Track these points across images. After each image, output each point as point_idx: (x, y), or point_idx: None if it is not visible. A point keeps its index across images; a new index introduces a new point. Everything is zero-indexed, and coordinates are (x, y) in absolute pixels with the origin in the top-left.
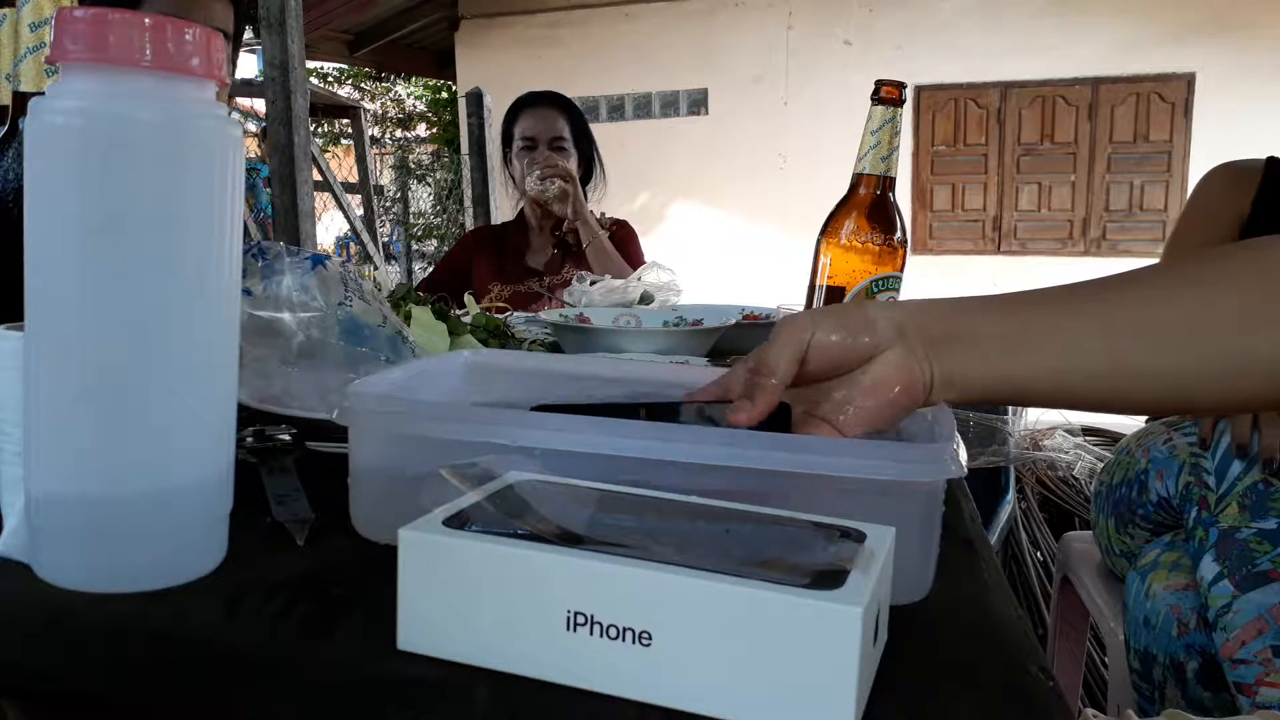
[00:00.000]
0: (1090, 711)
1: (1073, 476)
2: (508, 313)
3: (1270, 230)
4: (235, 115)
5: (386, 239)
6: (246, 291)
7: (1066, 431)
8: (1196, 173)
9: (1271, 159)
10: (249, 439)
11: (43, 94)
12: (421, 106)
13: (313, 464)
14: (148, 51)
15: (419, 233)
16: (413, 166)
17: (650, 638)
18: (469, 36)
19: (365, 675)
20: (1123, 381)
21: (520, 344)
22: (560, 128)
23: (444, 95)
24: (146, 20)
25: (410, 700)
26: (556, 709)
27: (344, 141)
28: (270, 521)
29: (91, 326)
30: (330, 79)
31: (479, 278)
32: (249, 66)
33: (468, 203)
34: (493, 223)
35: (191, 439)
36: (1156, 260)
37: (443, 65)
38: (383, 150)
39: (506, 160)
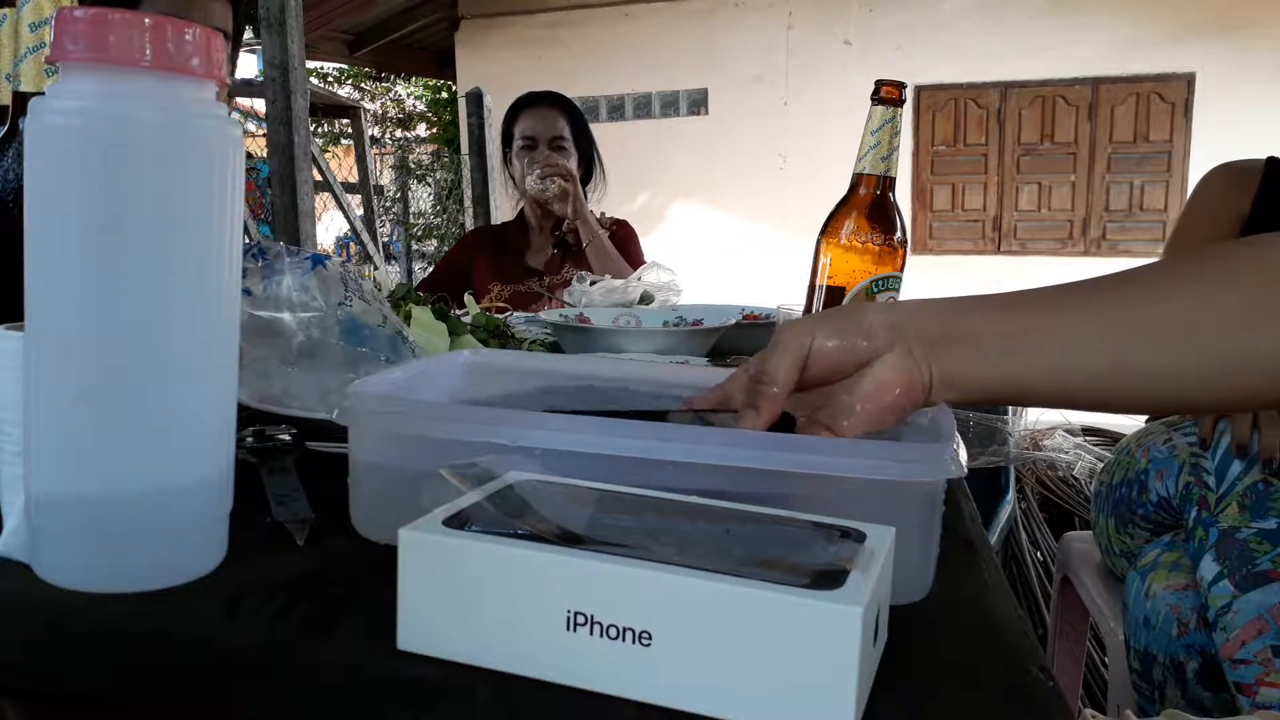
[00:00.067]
0: (1090, 712)
1: (1073, 476)
2: (508, 313)
3: (1270, 230)
4: (235, 115)
5: (386, 239)
6: (246, 291)
7: (1066, 431)
8: (1196, 173)
9: (1271, 159)
10: (249, 439)
11: (43, 94)
12: (421, 106)
13: (313, 464)
14: (148, 51)
15: (419, 233)
16: (413, 166)
17: (650, 638)
18: (469, 36)
19: (365, 675)
20: (1123, 381)
21: (520, 344)
22: (560, 127)
23: (444, 95)
24: (146, 20)
25: (410, 700)
26: (556, 709)
27: (344, 141)
28: (270, 521)
29: (91, 326)
30: (330, 79)
31: (479, 278)
32: (249, 66)
33: (468, 203)
34: (493, 223)
35: (191, 439)
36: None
37: (443, 65)
38: (383, 150)
39: (506, 160)
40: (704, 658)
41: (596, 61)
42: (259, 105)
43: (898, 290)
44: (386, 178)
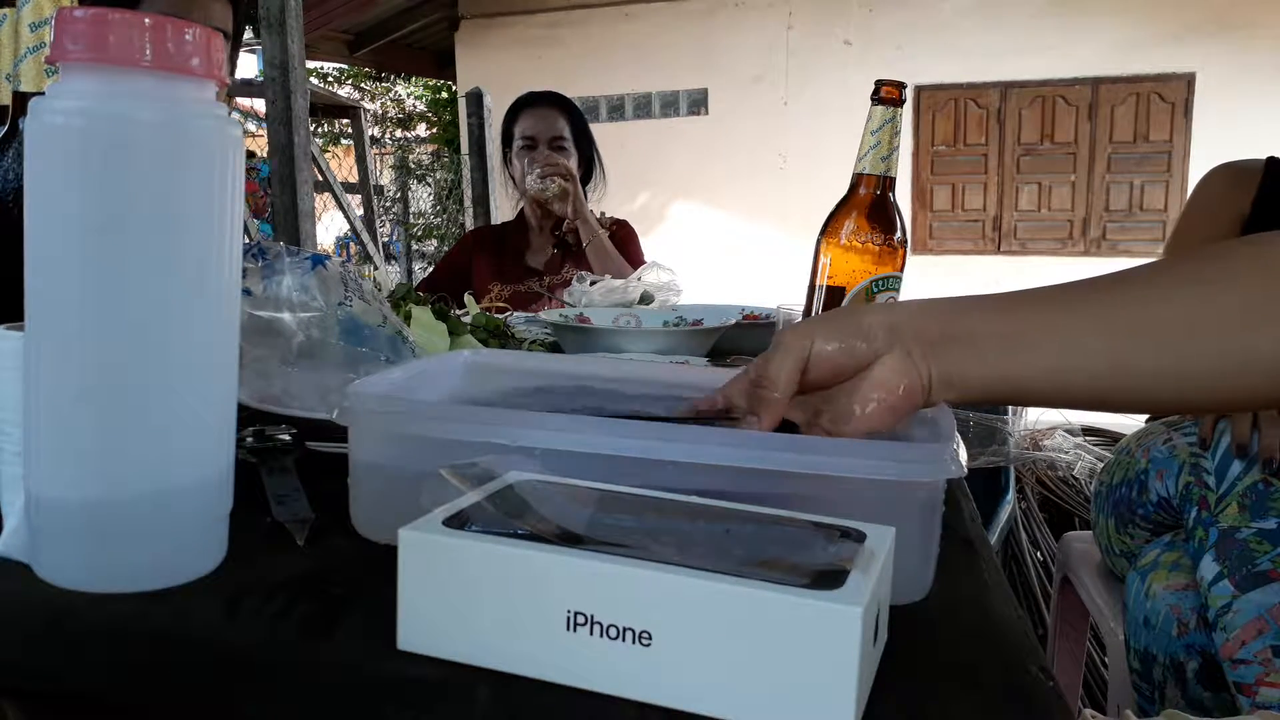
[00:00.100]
0: (1090, 712)
1: (1073, 476)
2: (508, 313)
3: (1270, 230)
4: (235, 115)
5: (386, 239)
6: (246, 291)
7: (1066, 431)
8: (1196, 173)
9: (1271, 159)
10: (249, 439)
11: (43, 94)
12: (421, 106)
13: (313, 464)
14: (148, 51)
15: (419, 233)
16: (413, 166)
17: (650, 638)
18: (469, 36)
19: (365, 675)
20: (1122, 381)
21: (520, 344)
22: (560, 127)
23: (444, 95)
24: (146, 20)
25: (410, 700)
26: (556, 709)
27: (344, 141)
28: (270, 521)
29: (91, 326)
30: (330, 79)
31: (479, 278)
32: (249, 66)
33: (468, 203)
34: (493, 223)
35: (191, 439)
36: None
37: (443, 65)
38: (383, 150)
39: (506, 160)
40: (704, 658)
41: (596, 61)
42: (259, 105)
43: (898, 290)
44: (386, 178)
